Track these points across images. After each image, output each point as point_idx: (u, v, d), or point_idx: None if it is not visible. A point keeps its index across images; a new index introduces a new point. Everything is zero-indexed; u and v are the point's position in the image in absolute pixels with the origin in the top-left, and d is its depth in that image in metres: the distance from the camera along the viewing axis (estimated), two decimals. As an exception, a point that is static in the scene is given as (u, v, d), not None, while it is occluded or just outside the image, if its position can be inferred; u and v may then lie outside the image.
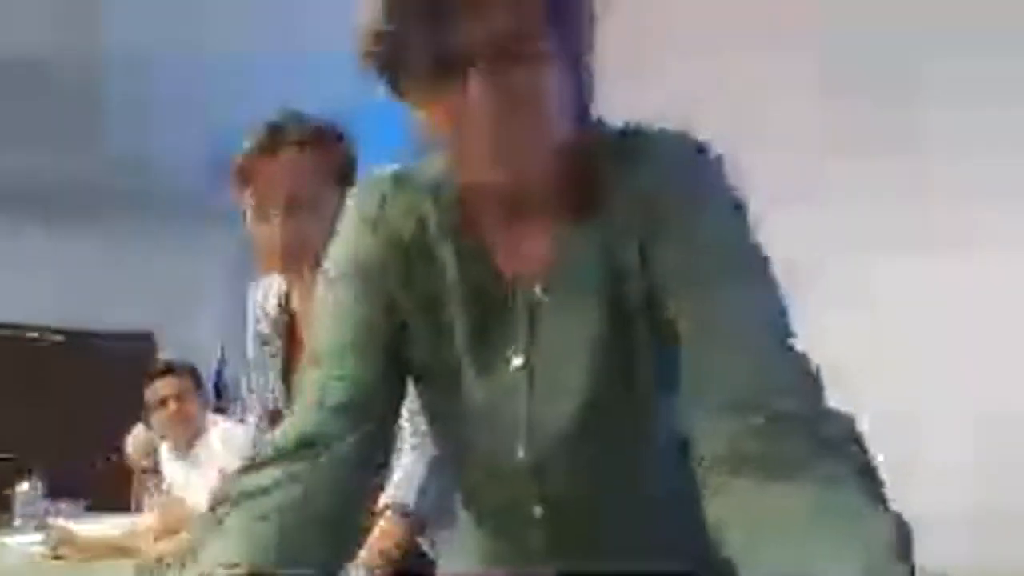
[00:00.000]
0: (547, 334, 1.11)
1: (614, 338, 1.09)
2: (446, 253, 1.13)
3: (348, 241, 1.16)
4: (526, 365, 1.12)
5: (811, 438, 0.89)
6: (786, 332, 0.99)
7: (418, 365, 1.16)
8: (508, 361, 1.13)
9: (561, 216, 1.11)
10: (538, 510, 1.17)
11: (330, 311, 1.13)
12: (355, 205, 1.18)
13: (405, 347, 1.14)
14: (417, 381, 1.18)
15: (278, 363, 1.96)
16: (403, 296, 1.14)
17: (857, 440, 0.91)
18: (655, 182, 1.06)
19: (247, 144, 1.78)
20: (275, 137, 1.76)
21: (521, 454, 1.14)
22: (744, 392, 0.94)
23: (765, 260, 1.05)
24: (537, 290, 1.11)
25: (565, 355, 1.10)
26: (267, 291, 2.02)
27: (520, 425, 1.13)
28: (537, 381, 1.12)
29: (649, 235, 1.06)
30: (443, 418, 1.21)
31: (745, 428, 0.91)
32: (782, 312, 1.01)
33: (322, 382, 1.09)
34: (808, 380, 0.96)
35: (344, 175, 1.77)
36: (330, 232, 1.21)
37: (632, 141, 1.10)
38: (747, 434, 0.91)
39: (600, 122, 1.11)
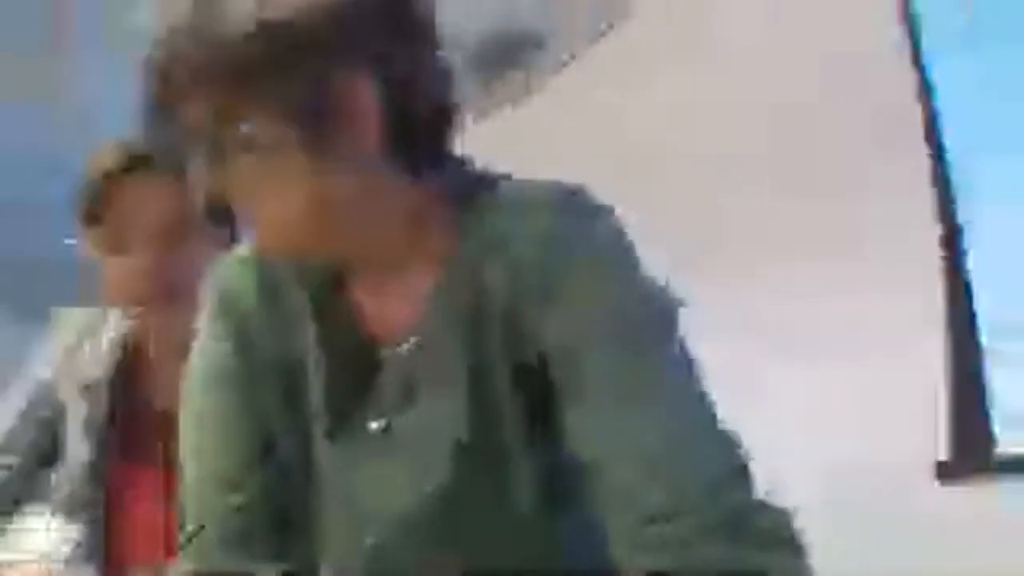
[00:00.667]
0: (412, 400, 1.02)
1: (482, 413, 0.99)
2: (304, 316, 1.06)
3: (209, 338, 1.10)
4: (388, 430, 1.03)
5: (735, 541, 0.82)
6: (698, 415, 0.91)
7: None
8: (366, 426, 1.04)
9: (421, 276, 1.03)
10: None
11: (210, 424, 1.06)
12: (211, 288, 1.12)
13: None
14: None
15: (98, 416, 1.61)
16: (265, 374, 1.07)
17: (786, 539, 0.84)
18: (519, 236, 0.99)
19: (105, 162, 1.53)
20: (141, 156, 1.51)
21: (368, 538, 1.04)
22: (660, 507, 0.85)
23: (661, 320, 0.96)
24: (404, 350, 1.03)
25: (430, 425, 1.01)
26: (87, 328, 1.68)
27: (368, 500, 1.04)
28: (397, 450, 1.02)
29: (519, 298, 0.98)
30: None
31: (662, 541, 0.84)
32: (688, 382, 0.93)
33: (221, 512, 1.03)
34: (727, 472, 0.87)
35: None
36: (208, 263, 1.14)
37: (493, 192, 1.03)
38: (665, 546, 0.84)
39: (464, 172, 1.05)
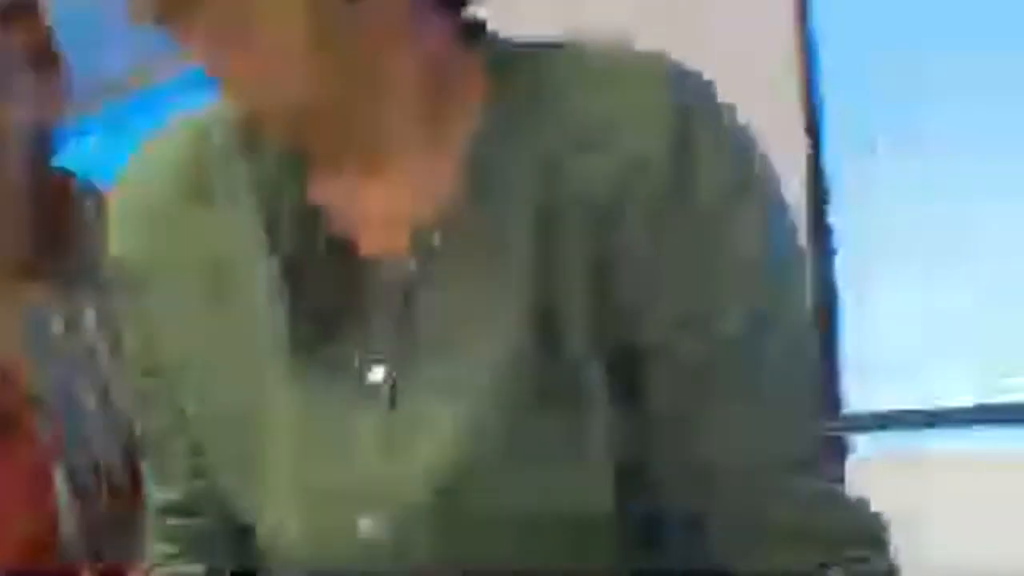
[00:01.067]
0: (427, 333, 0.73)
1: (544, 355, 0.71)
2: (251, 217, 0.77)
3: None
4: (390, 381, 0.73)
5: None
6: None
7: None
8: (358, 374, 0.73)
9: (438, 162, 0.74)
10: None
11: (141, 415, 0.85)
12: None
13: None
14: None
15: None
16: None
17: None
18: (625, 123, 0.70)
19: None
20: None
21: (368, 531, 0.73)
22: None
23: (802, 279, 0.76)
24: (411, 265, 0.73)
25: (456, 368, 0.72)
26: None
27: (370, 481, 0.73)
28: (406, 406, 0.73)
29: (618, 213, 0.70)
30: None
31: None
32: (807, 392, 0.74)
33: (163, 528, 0.85)
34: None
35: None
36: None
37: (557, 56, 0.74)
38: None
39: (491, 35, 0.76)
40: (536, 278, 0.70)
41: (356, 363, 0.73)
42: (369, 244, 0.73)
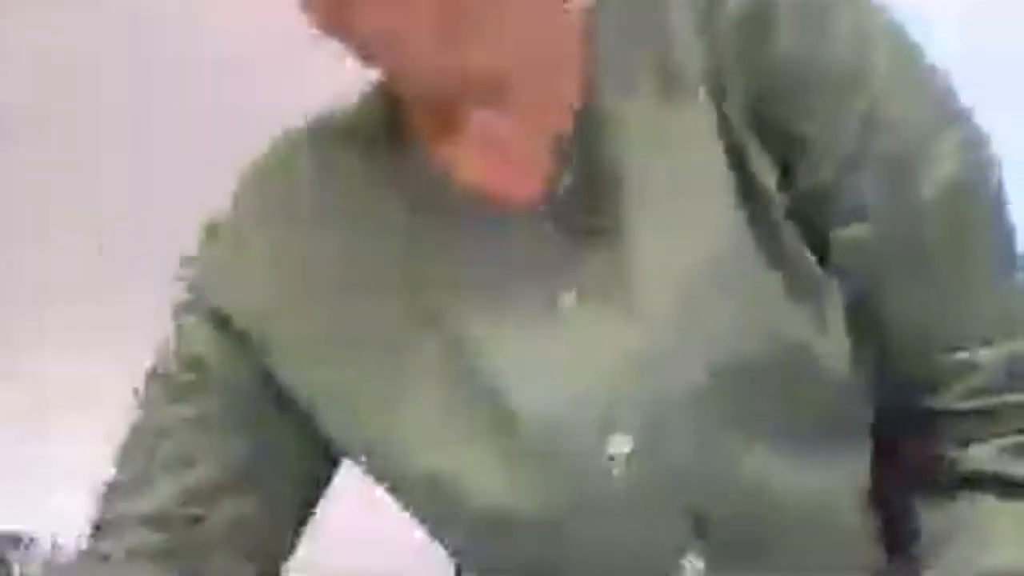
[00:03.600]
0: (610, 257, 0.70)
1: (747, 236, 0.69)
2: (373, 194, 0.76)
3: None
4: (585, 299, 0.70)
5: None
6: None
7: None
8: (550, 304, 0.70)
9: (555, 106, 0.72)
10: (692, 564, 0.70)
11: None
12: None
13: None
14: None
15: None
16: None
17: None
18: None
19: None
20: None
21: (618, 447, 0.69)
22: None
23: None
24: (560, 189, 0.71)
25: (658, 282, 0.69)
26: None
27: (605, 394, 0.69)
28: (613, 332, 0.69)
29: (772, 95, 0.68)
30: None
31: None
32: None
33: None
34: None
35: None
36: None
37: None
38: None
39: None
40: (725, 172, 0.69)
41: (547, 296, 0.70)
42: (504, 195, 0.72)
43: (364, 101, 0.79)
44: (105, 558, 0.75)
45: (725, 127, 0.69)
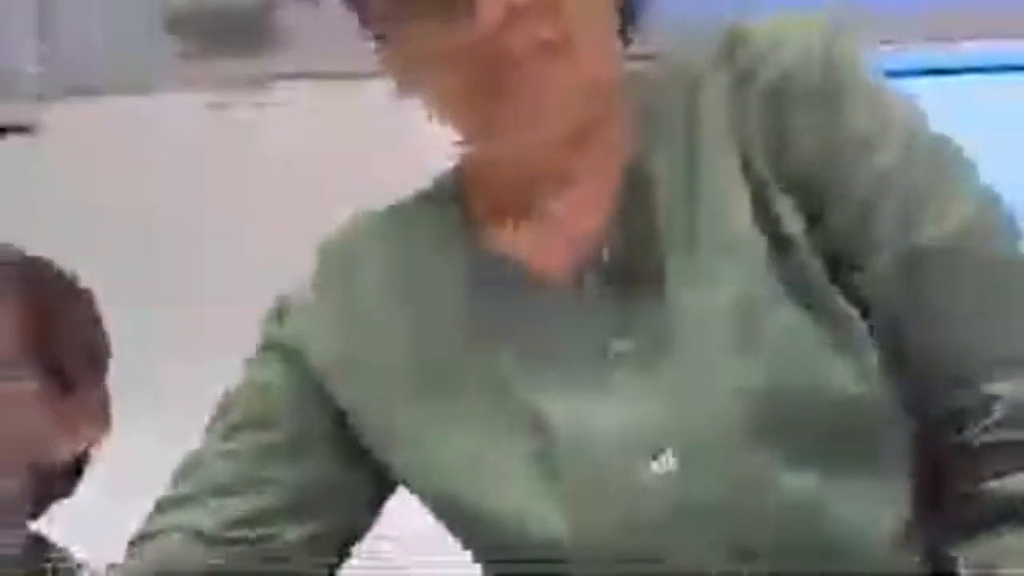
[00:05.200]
0: (654, 306, 0.77)
1: (778, 275, 0.75)
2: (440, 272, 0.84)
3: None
4: (633, 348, 0.77)
5: None
6: None
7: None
8: (601, 354, 0.77)
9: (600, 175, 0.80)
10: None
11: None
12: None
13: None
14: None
15: None
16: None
17: None
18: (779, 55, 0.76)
19: None
20: None
21: (659, 470, 0.74)
22: None
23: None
24: (604, 255, 0.79)
25: (698, 323, 0.75)
26: None
27: (653, 431, 0.75)
28: (659, 370, 0.76)
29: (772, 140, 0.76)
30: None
31: None
32: None
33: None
34: None
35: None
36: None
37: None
38: None
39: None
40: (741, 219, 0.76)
41: (597, 347, 0.77)
42: (550, 268, 0.80)
43: (434, 186, 0.88)
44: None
45: (752, 181, 0.76)
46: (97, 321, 1.05)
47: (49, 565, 1.00)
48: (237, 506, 0.81)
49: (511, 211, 0.82)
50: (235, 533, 0.81)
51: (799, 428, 0.73)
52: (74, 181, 2.39)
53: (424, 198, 0.88)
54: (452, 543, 0.84)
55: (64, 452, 1.00)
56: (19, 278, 1.00)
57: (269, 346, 0.87)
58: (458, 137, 0.78)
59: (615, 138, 0.80)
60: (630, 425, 0.75)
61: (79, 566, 1.02)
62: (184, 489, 0.84)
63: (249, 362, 0.88)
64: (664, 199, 0.78)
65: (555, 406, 0.77)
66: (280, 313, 0.87)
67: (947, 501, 0.74)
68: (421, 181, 0.90)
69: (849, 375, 0.74)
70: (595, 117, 0.78)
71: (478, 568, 0.84)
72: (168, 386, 2.12)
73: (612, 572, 0.75)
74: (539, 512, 0.76)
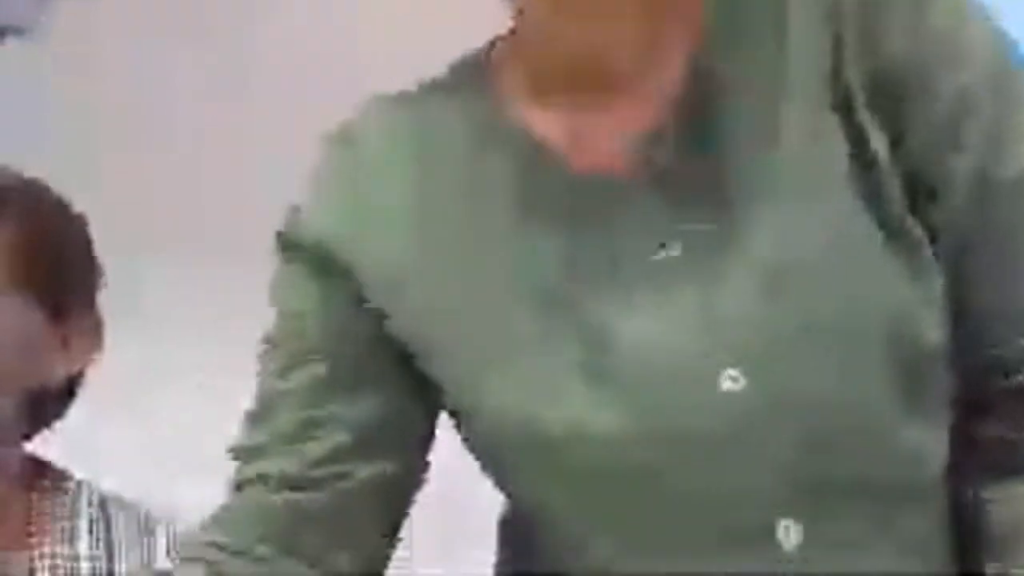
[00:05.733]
0: (714, 212, 0.73)
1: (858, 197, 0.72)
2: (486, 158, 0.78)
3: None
4: (686, 254, 0.73)
5: None
6: None
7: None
8: (650, 258, 0.73)
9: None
10: (789, 531, 0.72)
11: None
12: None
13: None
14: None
15: None
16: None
17: None
18: None
19: None
20: None
21: (733, 382, 0.71)
22: None
23: None
24: (659, 155, 0.74)
25: (765, 236, 0.72)
26: None
27: (716, 336, 0.71)
28: (720, 275, 0.72)
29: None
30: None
31: None
32: None
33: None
34: None
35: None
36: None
37: None
38: None
39: None
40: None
41: (647, 249, 0.74)
42: (596, 164, 0.76)
43: (454, 69, 0.83)
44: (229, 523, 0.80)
45: (845, 103, 0.73)
46: (90, 244, 1.05)
47: (47, 483, 1.01)
48: (309, 449, 0.78)
49: (557, 98, 0.77)
50: (316, 473, 0.78)
51: (869, 355, 0.71)
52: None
53: (443, 86, 0.82)
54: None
55: (58, 373, 1.00)
56: (15, 201, 1.01)
57: (294, 260, 0.81)
58: (521, 8, 0.74)
59: (688, 24, 0.76)
60: (693, 339, 0.72)
61: (79, 484, 1.02)
62: (258, 437, 0.80)
63: (278, 284, 0.82)
64: (735, 97, 0.74)
65: (607, 315, 0.73)
66: (301, 220, 0.81)
67: (980, 445, 0.73)
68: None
69: (919, 305, 0.72)
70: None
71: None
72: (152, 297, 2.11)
73: (665, 488, 0.72)
74: (593, 424, 0.72)
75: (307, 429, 0.78)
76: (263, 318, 0.82)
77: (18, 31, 2.41)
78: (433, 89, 0.82)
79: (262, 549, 0.77)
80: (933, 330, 0.72)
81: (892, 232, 0.72)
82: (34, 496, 1.00)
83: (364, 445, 0.78)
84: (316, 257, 0.79)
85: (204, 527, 0.80)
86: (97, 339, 1.03)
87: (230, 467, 0.81)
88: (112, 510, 1.01)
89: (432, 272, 0.77)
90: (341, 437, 0.78)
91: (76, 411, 1.06)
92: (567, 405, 0.72)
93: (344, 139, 0.82)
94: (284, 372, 0.80)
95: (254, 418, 0.81)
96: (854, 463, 0.71)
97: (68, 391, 1.04)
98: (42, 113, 2.31)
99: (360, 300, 0.78)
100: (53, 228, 1.02)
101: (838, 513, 0.71)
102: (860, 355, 0.71)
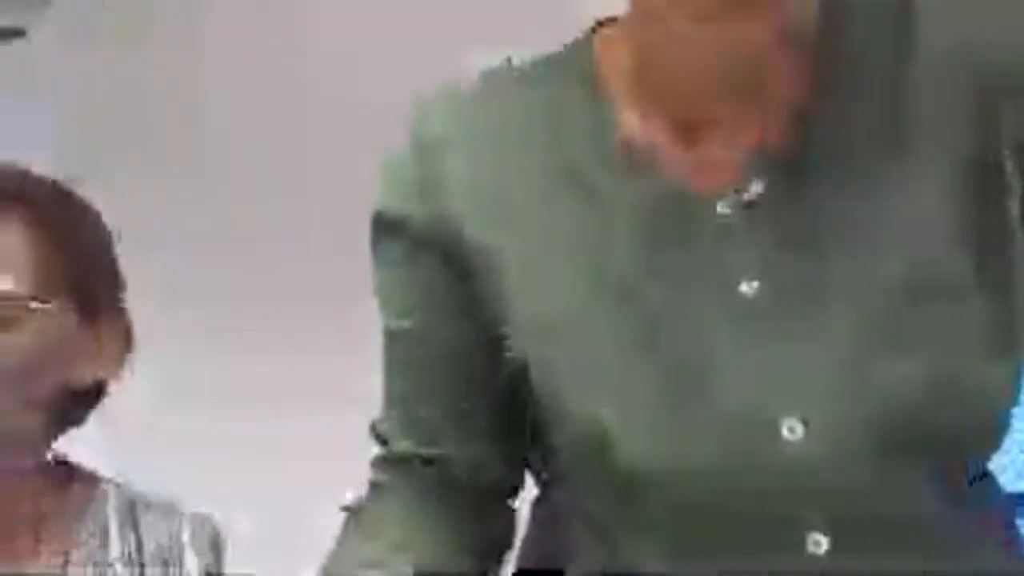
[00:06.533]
0: (797, 241, 0.73)
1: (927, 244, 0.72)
2: (588, 164, 0.78)
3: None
4: (767, 292, 0.73)
5: None
6: None
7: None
8: (731, 290, 0.73)
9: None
10: (819, 542, 0.72)
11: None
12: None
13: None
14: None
15: None
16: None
17: None
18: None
19: None
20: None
21: (791, 432, 0.71)
22: None
23: None
24: (755, 183, 0.74)
25: (858, 286, 0.72)
26: None
27: (779, 382, 0.72)
28: (792, 319, 0.72)
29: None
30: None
31: None
32: None
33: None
34: None
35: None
36: None
37: None
38: None
39: None
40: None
41: (723, 279, 0.74)
42: (698, 181, 0.75)
43: (566, 55, 0.82)
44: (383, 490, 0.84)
45: (984, 143, 0.72)
46: (112, 244, 1.04)
47: (76, 485, 1.01)
48: (425, 424, 0.82)
49: (663, 100, 0.76)
50: (432, 451, 0.82)
51: (948, 437, 0.71)
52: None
53: (549, 63, 0.82)
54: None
55: (89, 376, 0.99)
56: (44, 205, 0.99)
57: (395, 227, 0.81)
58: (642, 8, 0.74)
59: (801, 64, 0.75)
60: (762, 378, 0.72)
61: (108, 484, 1.02)
62: (388, 409, 0.85)
63: (382, 256, 0.83)
64: (840, 142, 0.74)
65: (683, 337, 0.73)
66: (401, 184, 0.81)
67: None
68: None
69: (997, 375, 0.72)
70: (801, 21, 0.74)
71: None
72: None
73: (705, 507, 0.73)
74: (657, 458, 0.73)
75: (415, 403, 0.83)
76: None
77: (18, 32, 2.40)
78: (536, 66, 0.82)
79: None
80: (1003, 424, 0.73)
81: (999, 289, 0.72)
82: (63, 499, 0.99)
83: (465, 420, 0.82)
84: (423, 230, 0.79)
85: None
86: (128, 342, 1.02)
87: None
88: (140, 510, 1.01)
89: (514, 250, 0.77)
90: (451, 412, 0.82)
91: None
92: (635, 425, 0.73)
93: (454, 105, 0.82)
94: (390, 346, 0.83)
95: (387, 384, 0.84)
96: (891, 509, 0.72)
97: (95, 396, 1.03)
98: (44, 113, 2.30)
99: (462, 271, 0.79)
100: (83, 230, 1.02)
101: (867, 527, 0.72)
102: (941, 447, 0.71)
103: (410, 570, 0.79)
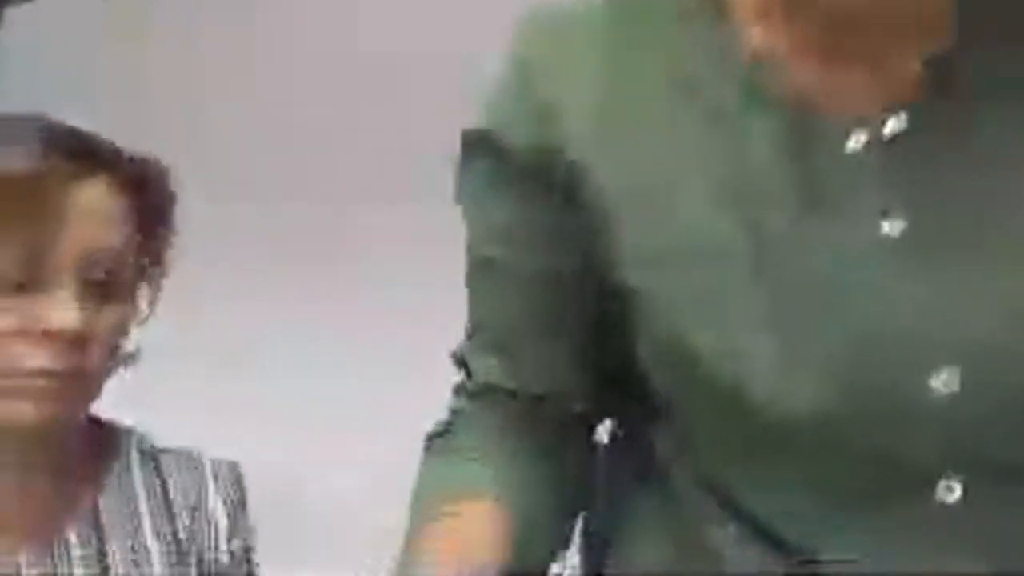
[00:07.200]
0: (944, 186, 0.69)
1: None
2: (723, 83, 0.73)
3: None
4: (913, 232, 0.69)
5: None
6: None
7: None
8: (872, 227, 0.69)
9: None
10: (952, 489, 0.70)
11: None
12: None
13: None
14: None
15: None
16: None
17: None
18: None
19: None
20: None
21: (944, 385, 0.68)
22: None
23: None
24: (903, 118, 0.70)
25: (1002, 220, 0.69)
26: None
27: (922, 329, 0.68)
28: (943, 266, 0.69)
29: None
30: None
31: None
32: None
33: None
34: None
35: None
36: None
37: None
38: None
39: None
40: None
41: (862, 216, 0.70)
42: (832, 106, 0.71)
43: None
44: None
45: None
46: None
47: (104, 438, 1.00)
48: (511, 355, 0.81)
49: (806, 35, 0.71)
50: (515, 384, 0.81)
51: None
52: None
53: None
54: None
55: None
56: (125, 169, 0.96)
57: (495, 150, 0.77)
58: None
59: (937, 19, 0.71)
60: (908, 327, 0.68)
61: (128, 432, 1.02)
62: (474, 336, 0.83)
63: (477, 179, 0.79)
64: (986, 92, 0.70)
65: (816, 269, 0.70)
66: (504, 106, 0.77)
67: None
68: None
69: None
70: None
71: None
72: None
73: (833, 448, 0.70)
74: (786, 398, 0.70)
75: (508, 342, 0.81)
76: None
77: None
78: None
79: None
80: None
81: None
82: (96, 454, 0.99)
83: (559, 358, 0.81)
84: (532, 163, 0.76)
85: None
86: (159, 292, 1.00)
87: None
88: (162, 456, 1.01)
89: (629, 174, 0.74)
90: (553, 350, 0.80)
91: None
92: (762, 370, 0.70)
93: (560, 27, 0.78)
94: (486, 287, 0.81)
95: (475, 326, 0.83)
96: None
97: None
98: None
99: (559, 200, 0.75)
100: (164, 201, 1.00)
101: (1002, 478, 0.70)
102: None
103: (492, 500, 0.78)
